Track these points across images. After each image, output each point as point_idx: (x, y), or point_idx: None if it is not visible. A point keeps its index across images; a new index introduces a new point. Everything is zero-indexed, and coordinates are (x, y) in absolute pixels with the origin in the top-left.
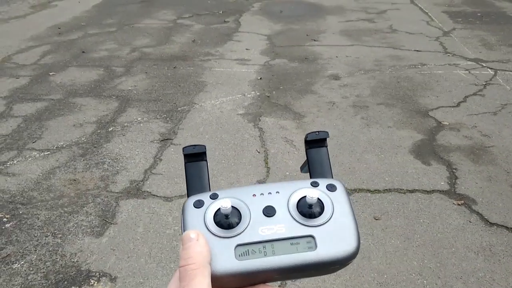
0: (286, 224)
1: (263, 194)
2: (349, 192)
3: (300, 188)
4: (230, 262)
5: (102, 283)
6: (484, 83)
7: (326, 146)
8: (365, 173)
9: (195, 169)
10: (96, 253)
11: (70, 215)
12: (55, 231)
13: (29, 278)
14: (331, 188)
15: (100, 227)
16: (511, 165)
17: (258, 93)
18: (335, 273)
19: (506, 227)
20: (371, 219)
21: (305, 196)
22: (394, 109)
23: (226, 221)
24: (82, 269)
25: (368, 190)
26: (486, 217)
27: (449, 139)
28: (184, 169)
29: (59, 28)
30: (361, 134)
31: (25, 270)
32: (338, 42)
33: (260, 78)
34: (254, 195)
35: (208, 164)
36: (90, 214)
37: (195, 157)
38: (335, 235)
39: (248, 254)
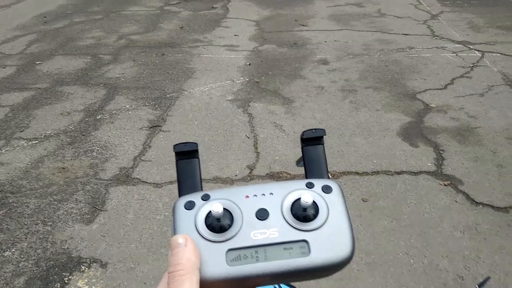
0: (279, 228)
1: (256, 195)
2: (338, 175)
3: (295, 189)
4: (221, 268)
5: (93, 269)
6: (471, 65)
7: (323, 144)
8: (354, 156)
9: (187, 167)
10: (86, 239)
11: (59, 203)
12: (45, 219)
13: (20, 265)
14: (326, 189)
15: (90, 214)
16: (497, 145)
17: (247, 79)
18: None
19: (492, 206)
20: (359, 201)
21: (299, 199)
22: (382, 92)
23: (218, 224)
24: (72, 255)
25: (357, 173)
26: (472, 197)
27: (436, 121)
28: (175, 167)
29: (44, 17)
30: (349, 118)
31: (16, 258)
32: (326, 27)
33: (249, 64)
34: (247, 196)
35: (200, 161)
36: (80, 201)
37: (186, 154)
38: (329, 240)
39: (240, 259)
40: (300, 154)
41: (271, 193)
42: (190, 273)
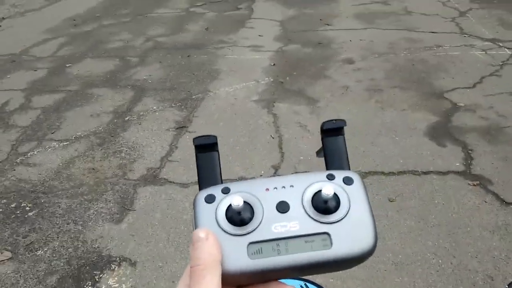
0: (300, 220)
1: (276, 188)
2: (363, 175)
3: (315, 181)
4: (242, 261)
5: (123, 268)
6: (501, 63)
7: (343, 135)
8: (379, 156)
9: (207, 160)
10: (116, 238)
11: (90, 202)
12: (76, 219)
13: (52, 264)
14: (347, 181)
15: (119, 213)
16: None
17: (271, 79)
18: None
19: None
20: (385, 201)
21: (320, 191)
22: (408, 92)
23: (238, 218)
24: (103, 254)
25: (383, 173)
26: (502, 197)
27: (464, 120)
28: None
29: (74, 20)
30: (375, 118)
31: (48, 256)
32: (351, 25)
33: (274, 64)
34: (267, 189)
35: (220, 155)
36: (109, 201)
37: (206, 148)
38: (351, 232)
39: (261, 253)
40: (320, 147)
41: (292, 186)
42: (211, 267)
